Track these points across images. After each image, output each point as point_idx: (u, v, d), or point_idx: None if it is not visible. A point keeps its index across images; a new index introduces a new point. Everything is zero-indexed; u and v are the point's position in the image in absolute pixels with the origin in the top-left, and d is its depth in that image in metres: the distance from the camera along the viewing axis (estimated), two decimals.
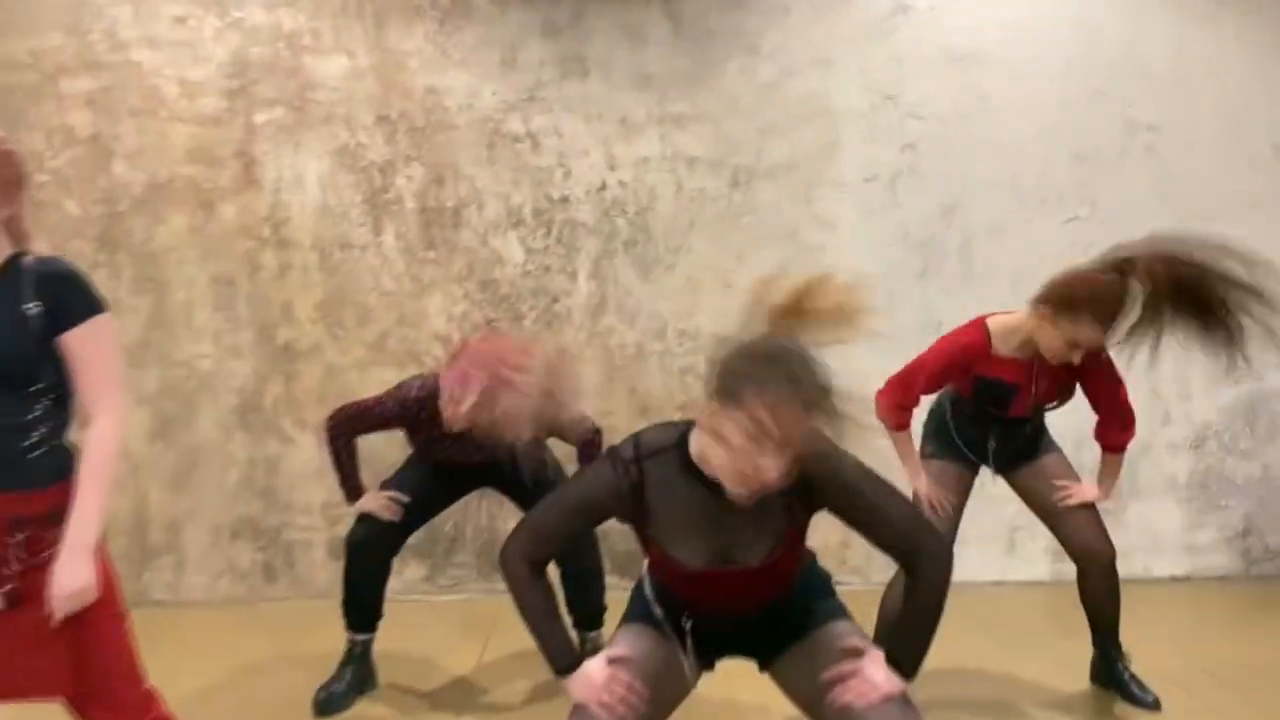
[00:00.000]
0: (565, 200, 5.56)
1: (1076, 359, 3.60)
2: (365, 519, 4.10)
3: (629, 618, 2.51)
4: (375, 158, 5.52)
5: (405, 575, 5.55)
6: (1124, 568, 5.66)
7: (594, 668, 2.33)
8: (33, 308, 2.31)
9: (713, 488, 2.17)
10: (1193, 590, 5.52)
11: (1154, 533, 5.66)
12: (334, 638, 4.29)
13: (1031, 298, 3.67)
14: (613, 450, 2.31)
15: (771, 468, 2.03)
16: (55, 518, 2.33)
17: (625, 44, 5.54)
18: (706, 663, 2.50)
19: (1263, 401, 5.61)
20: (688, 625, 2.41)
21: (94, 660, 2.37)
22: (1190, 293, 3.43)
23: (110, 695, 2.40)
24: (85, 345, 2.36)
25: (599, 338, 5.55)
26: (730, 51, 5.54)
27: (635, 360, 5.58)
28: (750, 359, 2.08)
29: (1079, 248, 5.39)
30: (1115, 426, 3.99)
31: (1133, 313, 3.51)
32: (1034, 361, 3.72)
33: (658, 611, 2.44)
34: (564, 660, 2.35)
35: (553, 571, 3.64)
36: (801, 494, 2.22)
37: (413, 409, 3.89)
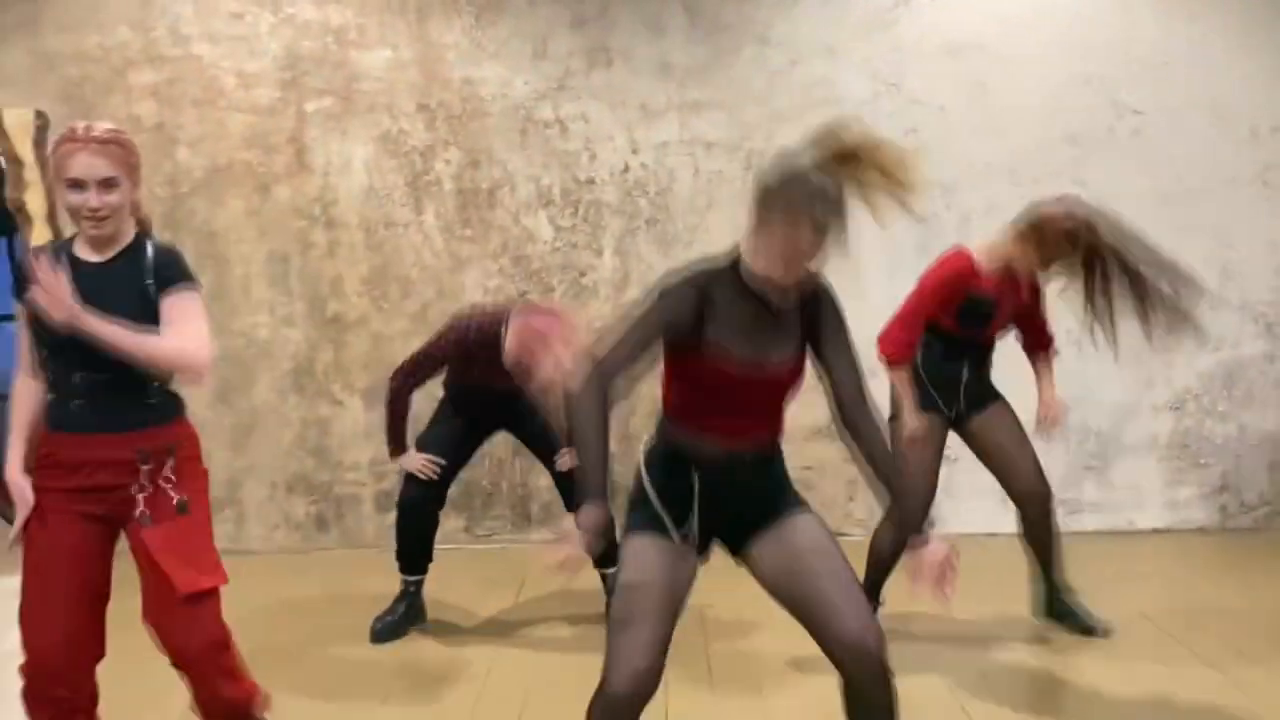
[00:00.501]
0: (591, 182, 5.75)
1: (1049, 274, 3.89)
2: (413, 480, 4.36)
3: (633, 527, 2.54)
4: (416, 143, 5.73)
5: (446, 527, 5.70)
6: (1109, 521, 5.94)
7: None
8: (150, 284, 2.61)
9: (758, 298, 2.44)
10: (1173, 542, 5.68)
11: (1137, 489, 5.83)
12: (381, 583, 4.57)
13: (1013, 223, 3.95)
14: (674, 275, 2.49)
15: (808, 248, 2.34)
16: (170, 450, 2.68)
17: (646, 36, 5.71)
18: (702, 553, 2.62)
19: (1239, 368, 5.77)
20: (695, 493, 2.52)
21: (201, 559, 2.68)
22: (1116, 258, 3.74)
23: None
24: (173, 309, 2.67)
25: (623, 309, 5.76)
26: (743, 42, 5.71)
27: None
28: (797, 175, 2.39)
29: None
30: (1045, 336, 4.28)
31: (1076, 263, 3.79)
32: (1005, 280, 3.95)
33: (659, 508, 2.52)
34: (591, 490, 2.31)
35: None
36: (808, 307, 2.53)
37: (472, 347, 4.17)
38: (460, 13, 5.68)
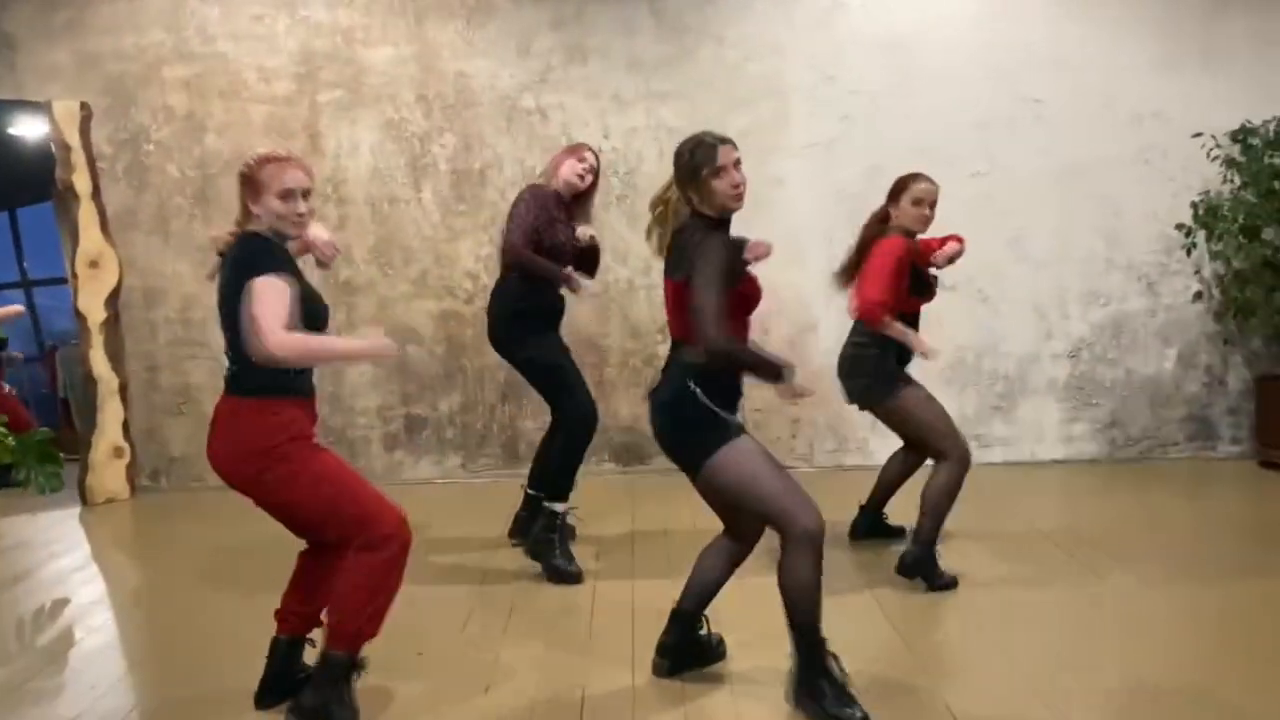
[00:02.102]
0: None
1: (930, 215, 4.04)
2: (577, 394, 4.22)
3: (728, 438, 2.78)
4: (416, 130, 5.91)
5: (445, 464, 6.03)
6: (1014, 454, 6.19)
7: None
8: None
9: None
10: (1069, 471, 5.91)
11: (1039, 425, 6.07)
12: None
13: (882, 206, 4.11)
14: (706, 230, 2.81)
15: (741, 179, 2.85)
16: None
17: (618, 35, 5.90)
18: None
19: (1126, 320, 6.01)
20: (742, 401, 2.87)
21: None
22: None
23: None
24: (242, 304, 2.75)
25: (599, 275, 5.89)
26: (702, 41, 5.91)
27: (626, 293, 6.00)
28: (701, 136, 2.93)
29: (981, 197, 5.85)
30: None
31: None
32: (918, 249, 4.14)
33: (730, 420, 2.82)
34: (780, 368, 2.75)
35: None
36: None
37: (550, 207, 4.26)
38: (454, 15, 5.85)
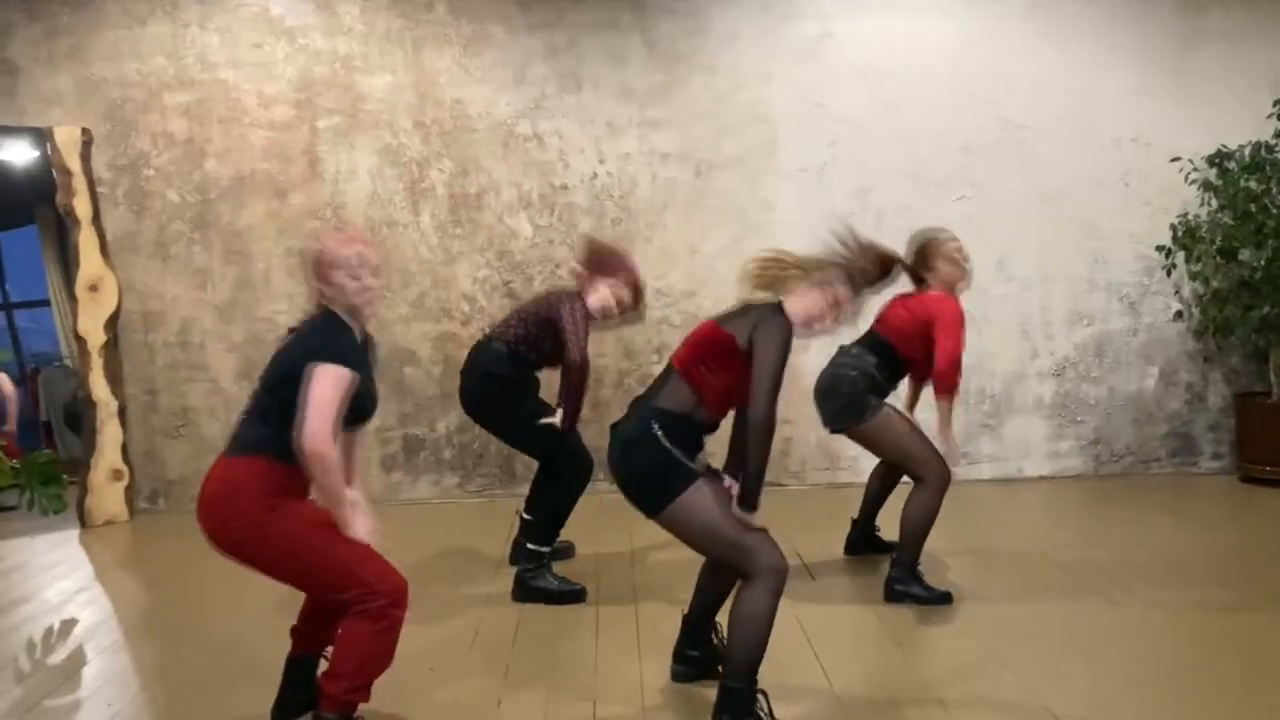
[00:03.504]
0: (564, 187, 6.00)
1: (970, 266, 4.18)
2: (570, 444, 4.22)
3: (691, 479, 2.81)
4: (413, 155, 5.96)
5: (443, 483, 6.04)
6: (1002, 470, 6.27)
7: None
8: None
9: None
10: (1055, 487, 5.98)
11: (1025, 442, 6.15)
12: (385, 537, 4.67)
13: (910, 267, 4.11)
14: (771, 308, 2.88)
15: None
16: None
17: (611, 64, 5.98)
18: None
19: (1108, 340, 6.11)
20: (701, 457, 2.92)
21: None
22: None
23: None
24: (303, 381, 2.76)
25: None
26: (693, 70, 6.00)
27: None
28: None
29: (965, 219, 5.93)
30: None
31: None
32: None
33: (687, 461, 2.85)
34: (757, 500, 2.79)
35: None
36: None
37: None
38: (450, 43, 5.92)
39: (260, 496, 2.68)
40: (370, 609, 2.68)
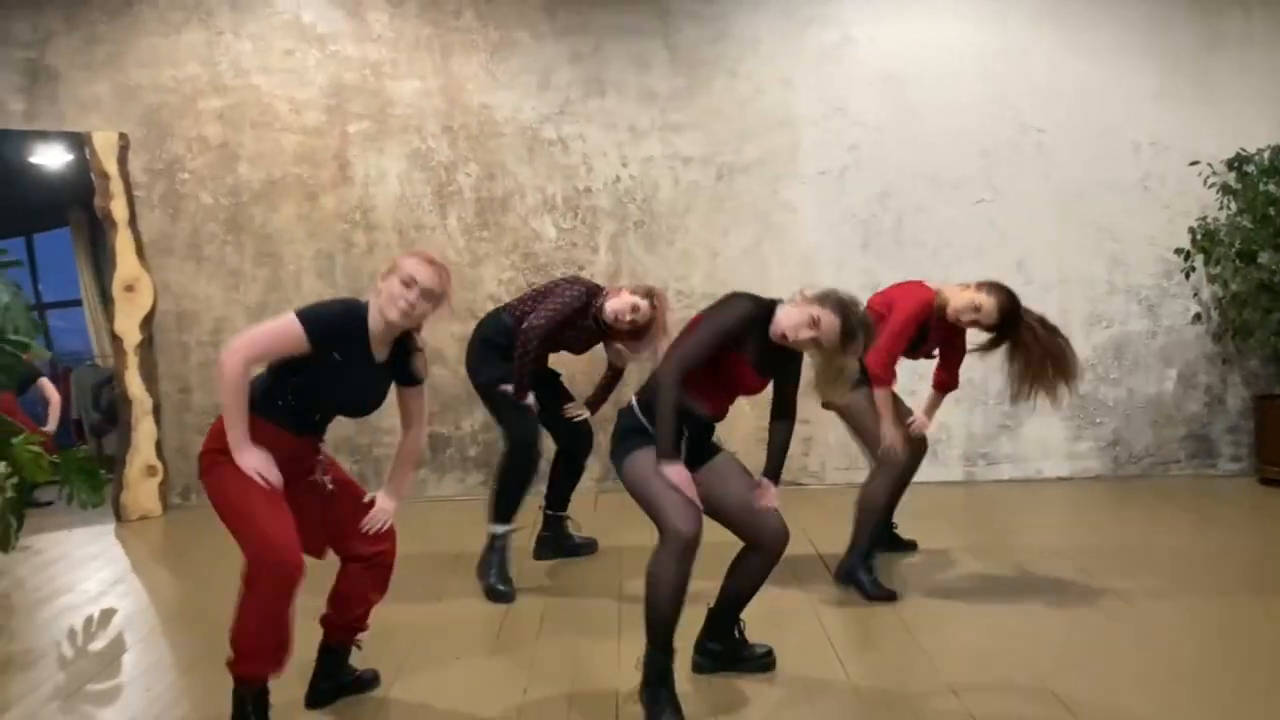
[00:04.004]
0: (588, 191, 6.09)
1: (970, 321, 3.96)
2: (526, 423, 4.20)
3: (639, 446, 2.92)
4: (441, 159, 6.06)
5: (467, 481, 6.13)
6: (1022, 470, 6.29)
7: (679, 470, 2.86)
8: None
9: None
10: (1074, 487, 6.02)
11: (1044, 443, 6.18)
12: (411, 533, 4.76)
13: (978, 285, 3.95)
14: (744, 295, 2.97)
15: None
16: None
17: (634, 69, 6.06)
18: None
19: (1127, 342, 6.14)
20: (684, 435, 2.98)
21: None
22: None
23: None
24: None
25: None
26: (715, 74, 6.07)
27: None
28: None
29: (984, 222, 6.00)
30: (954, 378, 4.29)
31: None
32: (940, 319, 4.05)
33: (649, 431, 2.94)
34: (672, 450, 2.86)
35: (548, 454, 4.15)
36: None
37: (582, 312, 4.21)
38: (478, 50, 6.02)
39: (218, 439, 2.77)
40: (251, 576, 2.70)
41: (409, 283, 2.80)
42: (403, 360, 2.96)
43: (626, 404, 3.05)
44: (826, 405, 4.15)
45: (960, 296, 3.91)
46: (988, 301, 3.83)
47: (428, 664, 3.28)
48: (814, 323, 2.91)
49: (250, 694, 2.77)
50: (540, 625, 3.75)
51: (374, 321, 2.85)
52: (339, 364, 2.81)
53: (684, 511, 2.84)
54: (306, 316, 2.76)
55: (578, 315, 4.21)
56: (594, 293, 4.28)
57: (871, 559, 4.02)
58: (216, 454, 2.77)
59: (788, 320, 2.95)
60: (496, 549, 4.20)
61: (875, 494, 4.04)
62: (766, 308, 2.99)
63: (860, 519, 4.04)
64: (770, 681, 3.14)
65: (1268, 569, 4.31)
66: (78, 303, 7.81)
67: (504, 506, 4.26)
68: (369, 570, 3.00)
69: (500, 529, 4.23)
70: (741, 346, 2.97)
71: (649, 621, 2.89)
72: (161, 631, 3.82)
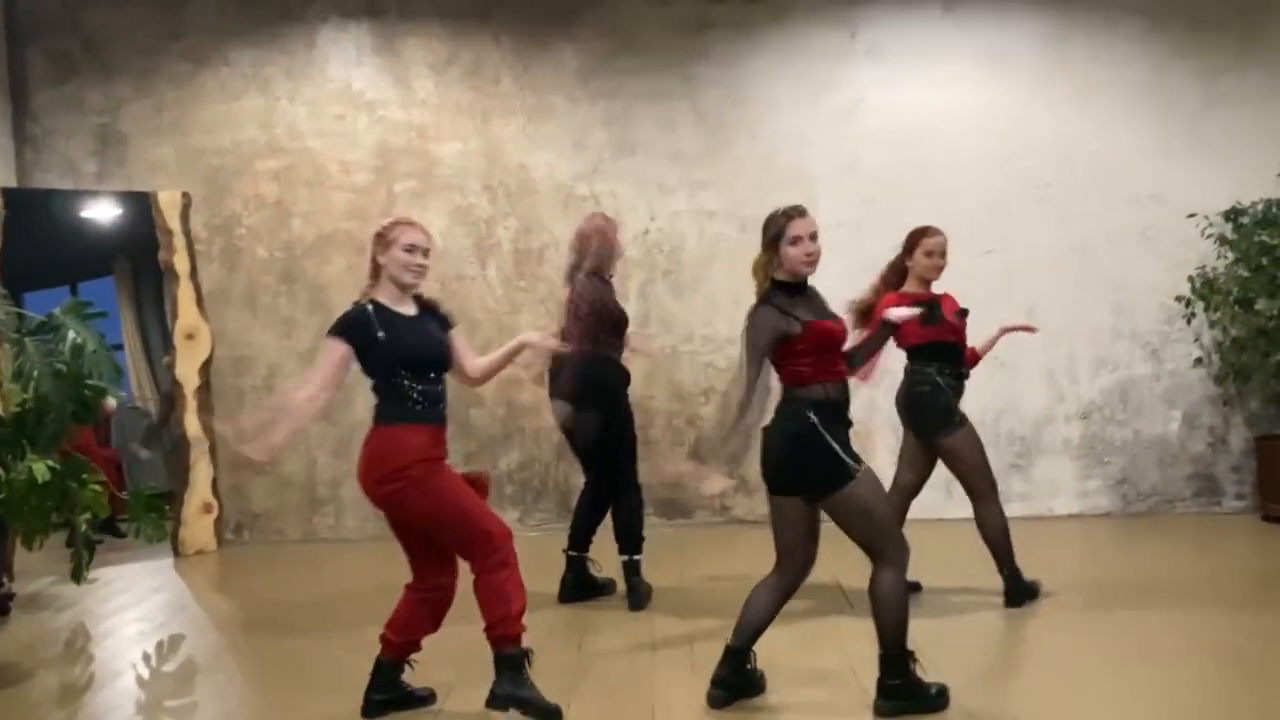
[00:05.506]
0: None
1: (943, 263, 4.40)
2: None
3: (854, 461, 3.14)
4: (482, 215, 6.34)
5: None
6: (1032, 508, 6.39)
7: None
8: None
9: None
10: (1084, 525, 6.13)
11: (1054, 482, 6.31)
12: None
13: (898, 257, 4.50)
14: (755, 308, 3.30)
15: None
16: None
17: (662, 131, 6.35)
18: None
19: (1133, 385, 6.29)
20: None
21: None
22: None
23: None
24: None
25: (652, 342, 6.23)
26: (737, 135, 6.35)
27: (671, 358, 6.33)
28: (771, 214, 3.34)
29: (995, 272, 6.16)
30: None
31: None
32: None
33: (835, 445, 3.14)
34: (708, 463, 3.20)
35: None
36: None
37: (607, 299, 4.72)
38: (516, 114, 6.33)
39: (386, 461, 3.10)
40: (489, 563, 3.11)
41: (411, 249, 3.13)
42: (428, 310, 3.25)
43: (808, 422, 3.15)
44: (934, 449, 4.40)
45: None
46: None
47: (471, 684, 3.41)
48: (795, 242, 3.18)
49: (523, 651, 3.11)
50: (579, 651, 3.90)
51: (387, 292, 3.15)
52: (394, 333, 3.08)
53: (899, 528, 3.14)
54: (333, 329, 3.10)
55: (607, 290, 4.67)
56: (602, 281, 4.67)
57: (1018, 571, 4.26)
58: (402, 473, 3.06)
59: (791, 266, 3.21)
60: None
61: (995, 520, 4.29)
62: (774, 289, 3.26)
63: (996, 546, 4.28)
64: (802, 708, 3.28)
65: (1271, 595, 4.44)
66: (119, 347, 8.12)
67: (637, 537, 4.63)
68: (427, 603, 3.23)
69: (639, 556, 4.59)
70: (796, 319, 3.17)
71: (889, 633, 3.12)
72: (225, 654, 4.04)
